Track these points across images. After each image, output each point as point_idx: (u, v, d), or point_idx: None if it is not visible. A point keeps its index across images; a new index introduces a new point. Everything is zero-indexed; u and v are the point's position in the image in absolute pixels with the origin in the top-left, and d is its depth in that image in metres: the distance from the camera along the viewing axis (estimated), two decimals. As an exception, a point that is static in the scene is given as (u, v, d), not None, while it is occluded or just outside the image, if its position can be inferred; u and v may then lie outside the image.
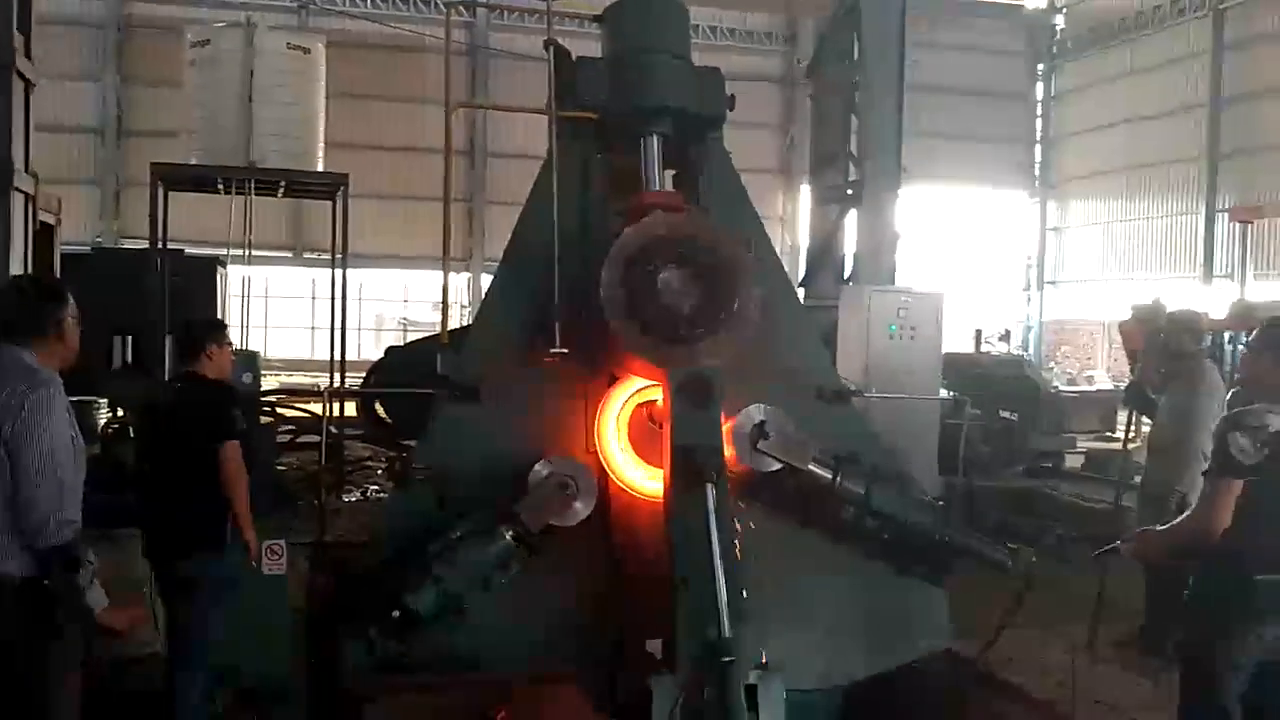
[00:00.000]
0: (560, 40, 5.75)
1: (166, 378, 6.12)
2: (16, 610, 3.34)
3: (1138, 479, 8.33)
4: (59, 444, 3.38)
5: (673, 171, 5.96)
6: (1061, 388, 19.76)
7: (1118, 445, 15.62)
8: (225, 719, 4.98)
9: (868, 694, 5.61)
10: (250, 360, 10.89)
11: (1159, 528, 4.24)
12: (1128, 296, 23.08)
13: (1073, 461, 13.69)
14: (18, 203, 8.22)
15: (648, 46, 5.69)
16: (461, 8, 25.33)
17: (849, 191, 10.41)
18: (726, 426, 5.20)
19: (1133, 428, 7.48)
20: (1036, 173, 34.65)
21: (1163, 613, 6.11)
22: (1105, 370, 29.53)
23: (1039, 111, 34.68)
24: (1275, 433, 3.76)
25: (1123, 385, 24.04)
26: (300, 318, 30.88)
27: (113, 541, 5.12)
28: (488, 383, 5.47)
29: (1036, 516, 9.60)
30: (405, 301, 34.03)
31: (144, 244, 24.42)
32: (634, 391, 5.51)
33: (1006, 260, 34.09)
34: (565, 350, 5.26)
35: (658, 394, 5.39)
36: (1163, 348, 6.40)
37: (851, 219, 10.53)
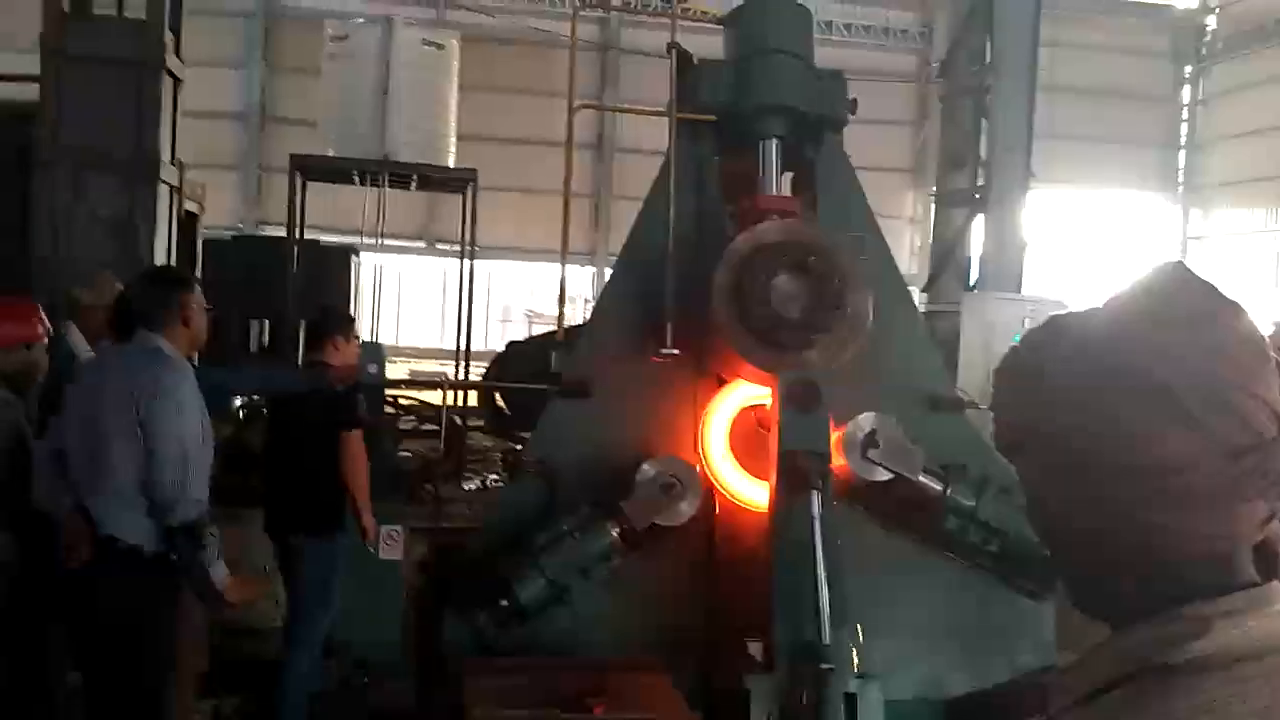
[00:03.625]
0: (688, 42, 5.82)
1: (299, 364, 6.38)
2: (143, 581, 3.57)
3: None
4: (189, 425, 3.60)
5: (790, 174, 5.96)
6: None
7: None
8: (335, 690, 5.18)
9: (968, 708, 5.54)
10: (376, 351, 11.23)
11: None
12: (1270, 309, 22.18)
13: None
14: (163, 194, 8.67)
15: (767, 48, 5.71)
16: (591, 5, 25.60)
17: (976, 195, 10.24)
18: (836, 434, 5.21)
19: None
20: (1180, 178, 33.49)
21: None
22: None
23: (1184, 115, 33.49)
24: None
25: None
26: (431, 307, 31.61)
27: (238, 519, 5.35)
28: (598, 380, 5.57)
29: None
30: (532, 293, 34.57)
31: (282, 231, 25.55)
32: (741, 396, 5.56)
33: (1144, 268, 32.99)
34: (676, 351, 5.33)
35: (766, 398, 5.43)
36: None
37: (979, 223, 10.36)
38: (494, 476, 11.90)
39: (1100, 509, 1.21)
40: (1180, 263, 1.30)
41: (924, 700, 5.46)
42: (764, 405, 5.47)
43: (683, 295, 5.39)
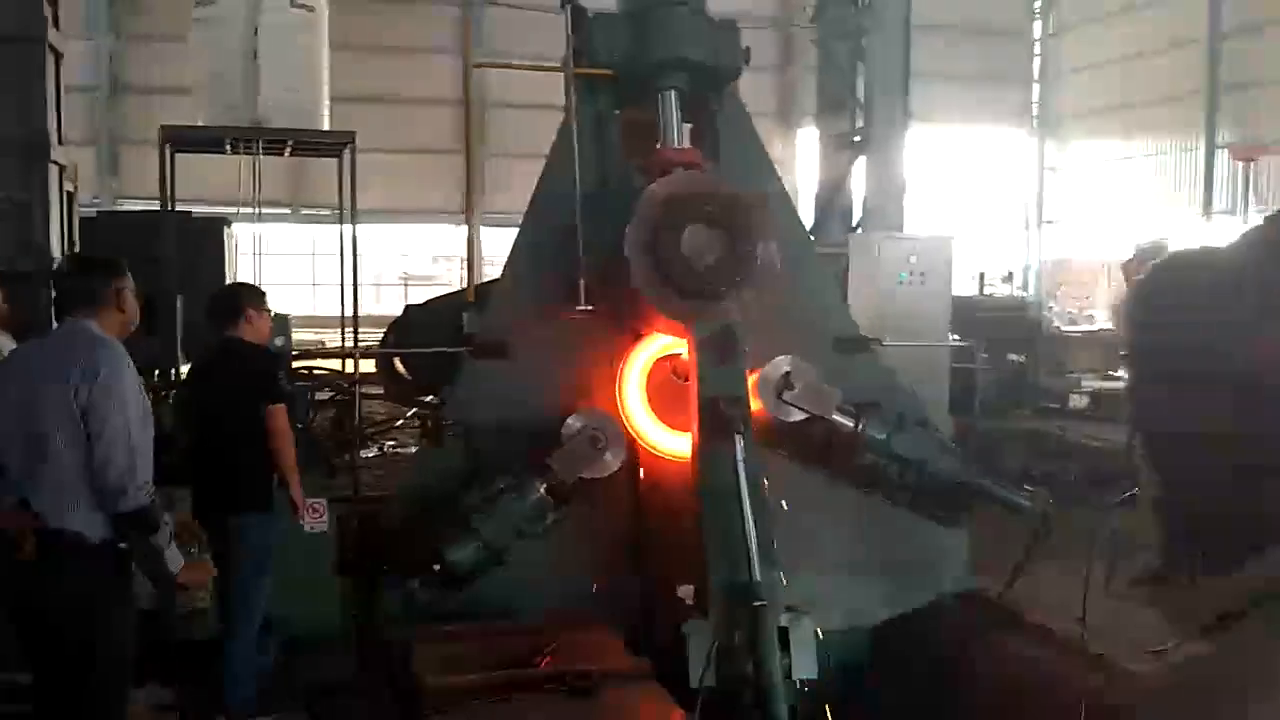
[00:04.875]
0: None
1: (204, 343, 6.21)
2: (93, 572, 3.48)
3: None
4: (132, 409, 3.50)
5: (689, 125, 6.00)
6: (1062, 328, 19.86)
7: (1120, 384, 15.82)
8: (275, 669, 5.14)
9: (893, 634, 5.77)
10: (282, 323, 10.96)
11: None
12: (1126, 235, 23.13)
13: (1076, 401, 13.83)
14: (54, 175, 8.29)
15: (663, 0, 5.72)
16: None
17: (856, 138, 10.45)
18: (751, 378, 5.33)
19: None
20: (1035, 112, 34.51)
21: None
22: (1105, 309, 29.64)
23: (1037, 50, 34.47)
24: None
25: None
26: (300, 275, 30.85)
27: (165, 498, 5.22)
28: (514, 339, 5.58)
29: (1047, 457, 9.76)
30: (405, 256, 34.03)
31: (143, 205, 24.56)
32: (654, 348, 5.63)
33: (1005, 201, 34.05)
34: (591, 308, 5.36)
35: (681, 349, 5.51)
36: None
37: (860, 165, 10.58)
38: (391, 443, 11.81)
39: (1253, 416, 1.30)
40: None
41: (851, 630, 5.66)
42: (679, 355, 5.56)
43: (591, 250, 5.42)
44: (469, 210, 5.71)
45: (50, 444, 3.48)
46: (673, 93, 5.71)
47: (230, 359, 5.34)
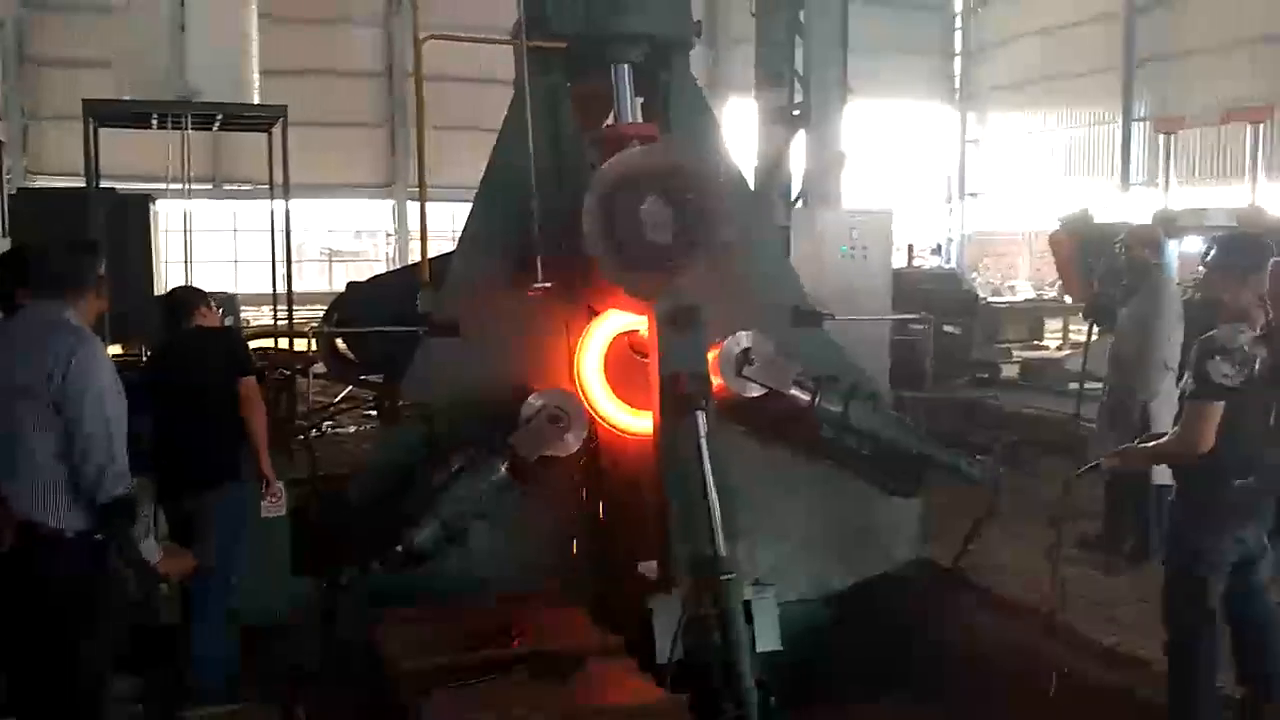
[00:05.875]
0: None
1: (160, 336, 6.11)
2: (71, 564, 3.37)
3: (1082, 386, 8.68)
4: (109, 397, 3.39)
5: (641, 99, 5.95)
6: (987, 299, 20.22)
7: (1048, 354, 16.18)
8: (238, 654, 5.05)
9: (852, 604, 5.85)
10: (229, 305, 10.71)
11: (1141, 445, 4.46)
12: (1047, 207, 23.57)
13: (1007, 371, 14.12)
14: None
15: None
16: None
17: (795, 112, 10.48)
18: (712, 354, 5.33)
19: (1092, 338, 7.75)
20: (956, 85, 34.95)
21: (1121, 516, 6.43)
22: (1027, 280, 30.21)
23: (958, 23, 34.87)
24: (1250, 352, 3.97)
25: (1044, 295, 24.71)
26: (222, 251, 30.22)
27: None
28: (469, 317, 5.51)
29: (986, 426, 9.94)
30: (329, 231, 33.50)
31: (57, 182, 23.80)
32: (611, 325, 5.61)
33: (930, 174, 34.47)
34: (549, 285, 5.31)
35: (637, 325, 5.50)
36: (1125, 261, 6.64)
37: (799, 139, 10.62)
38: (329, 424, 11.64)
39: None
40: None
41: (810, 600, 5.72)
42: (637, 332, 5.54)
43: (546, 226, 5.37)
44: (421, 185, 5.59)
45: (24, 433, 3.36)
46: (626, 66, 5.67)
47: (196, 339, 5.24)
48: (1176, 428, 4.16)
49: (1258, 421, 4.05)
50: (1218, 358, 3.98)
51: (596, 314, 5.60)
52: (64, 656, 3.38)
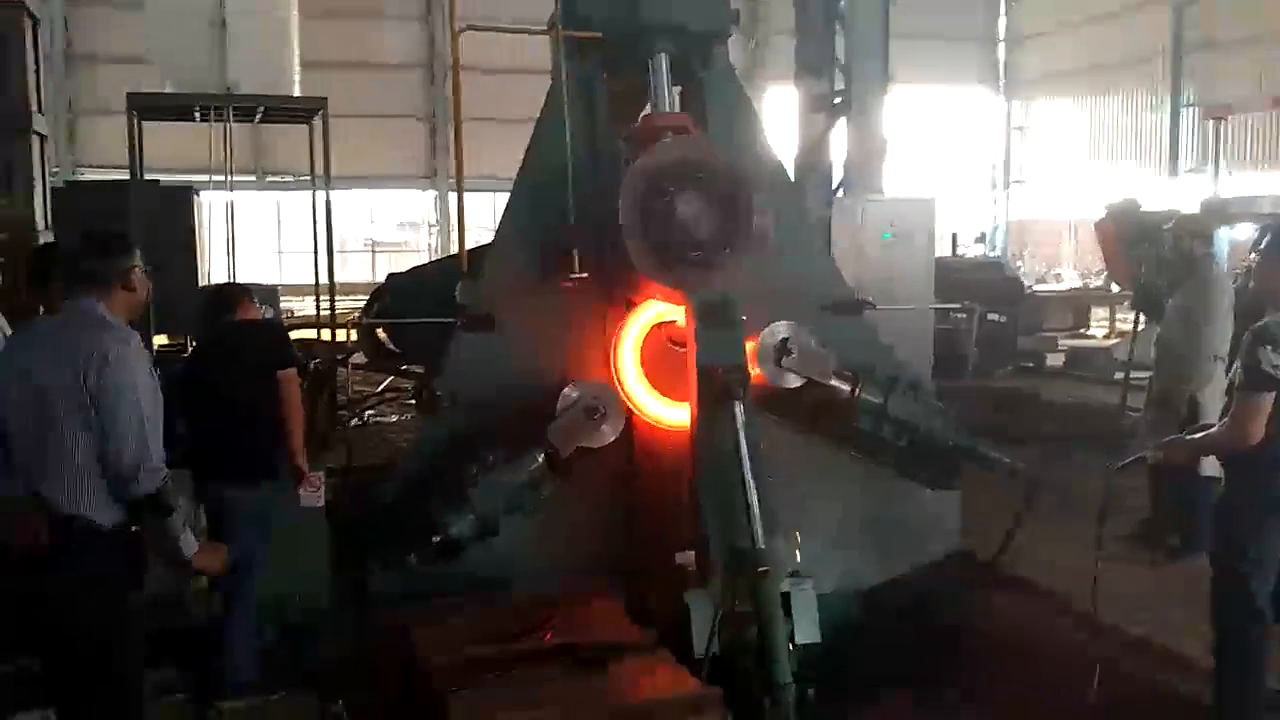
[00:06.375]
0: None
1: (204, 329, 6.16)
2: (106, 559, 3.39)
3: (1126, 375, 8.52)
4: (144, 392, 3.40)
5: (679, 89, 5.91)
6: (1032, 287, 19.98)
7: (1094, 343, 15.97)
8: (273, 646, 5.07)
9: (887, 596, 5.79)
10: (270, 296, 10.77)
11: (1188, 437, 4.37)
12: (1092, 194, 23.23)
13: (1052, 360, 13.93)
14: (35, 146, 8.02)
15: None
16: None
17: (836, 100, 10.39)
18: (749, 344, 5.29)
19: (1139, 328, 7.60)
20: (1001, 72, 34.55)
21: (1166, 509, 6.32)
22: (1072, 268, 29.83)
23: (1003, 10, 34.46)
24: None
25: (1089, 283, 24.38)
26: (265, 242, 30.50)
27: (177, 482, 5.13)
28: (507, 309, 5.50)
29: (1032, 416, 9.81)
30: (372, 222, 33.70)
31: (103, 175, 24.10)
32: (648, 317, 5.58)
33: (973, 161, 34.11)
34: (585, 275, 5.29)
35: (676, 316, 5.47)
36: (1173, 252, 6.52)
37: (840, 127, 10.53)
38: (371, 412, 11.72)
39: None
40: None
41: (845, 592, 5.67)
42: (674, 323, 5.51)
43: (582, 218, 5.35)
44: (459, 176, 5.61)
45: (59, 430, 3.38)
46: (663, 56, 5.63)
47: (237, 332, 5.27)
48: (1225, 419, 4.07)
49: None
50: (1268, 347, 3.88)
51: (633, 306, 5.58)
52: (99, 648, 3.40)
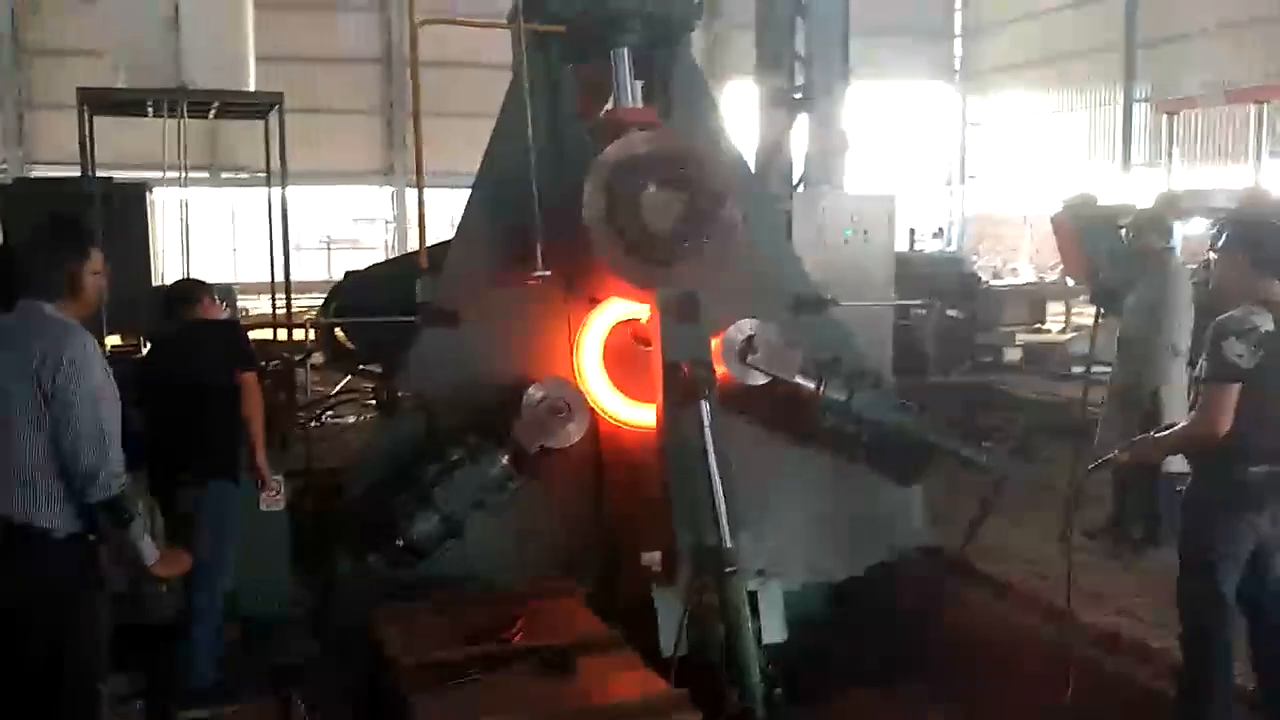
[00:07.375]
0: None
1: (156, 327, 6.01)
2: (61, 566, 3.29)
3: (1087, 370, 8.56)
4: (102, 396, 3.29)
5: (641, 82, 5.84)
6: (989, 282, 20.09)
7: (1050, 337, 16.07)
8: (236, 650, 4.98)
9: (856, 590, 5.79)
10: (227, 294, 10.56)
11: (1156, 435, 4.37)
12: (1048, 189, 23.42)
13: (1010, 355, 13.99)
14: None
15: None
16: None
17: (796, 95, 10.37)
18: (715, 341, 5.26)
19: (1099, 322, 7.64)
20: (957, 66, 34.76)
21: (1131, 503, 6.34)
22: (1028, 263, 30.07)
23: (958, 4, 34.65)
24: (1266, 333, 3.89)
25: (1045, 278, 24.58)
26: (220, 240, 30.11)
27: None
28: (468, 307, 5.43)
29: (993, 411, 9.85)
30: (328, 219, 33.35)
31: (54, 172, 23.63)
32: (611, 315, 5.53)
33: (930, 157, 34.28)
34: (549, 273, 5.23)
35: (638, 314, 5.42)
36: (1132, 246, 6.55)
37: (800, 122, 10.50)
38: (328, 414, 11.56)
39: None
40: None
41: (811, 587, 5.66)
42: (638, 321, 5.47)
43: (545, 214, 5.28)
44: (418, 172, 5.48)
45: (13, 434, 3.27)
46: (625, 50, 5.57)
47: (197, 331, 5.16)
48: (1192, 413, 4.08)
49: (1275, 405, 3.96)
50: (1232, 338, 3.90)
51: (597, 303, 5.53)
52: (54, 658, 3.30)
